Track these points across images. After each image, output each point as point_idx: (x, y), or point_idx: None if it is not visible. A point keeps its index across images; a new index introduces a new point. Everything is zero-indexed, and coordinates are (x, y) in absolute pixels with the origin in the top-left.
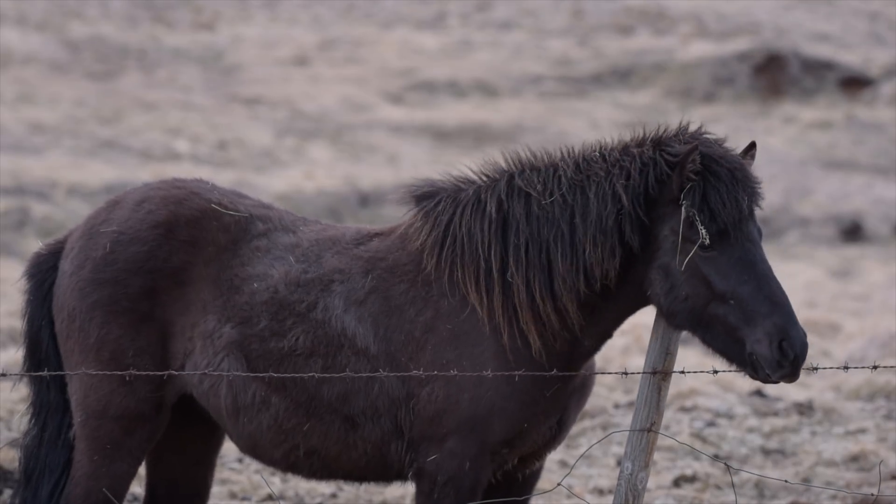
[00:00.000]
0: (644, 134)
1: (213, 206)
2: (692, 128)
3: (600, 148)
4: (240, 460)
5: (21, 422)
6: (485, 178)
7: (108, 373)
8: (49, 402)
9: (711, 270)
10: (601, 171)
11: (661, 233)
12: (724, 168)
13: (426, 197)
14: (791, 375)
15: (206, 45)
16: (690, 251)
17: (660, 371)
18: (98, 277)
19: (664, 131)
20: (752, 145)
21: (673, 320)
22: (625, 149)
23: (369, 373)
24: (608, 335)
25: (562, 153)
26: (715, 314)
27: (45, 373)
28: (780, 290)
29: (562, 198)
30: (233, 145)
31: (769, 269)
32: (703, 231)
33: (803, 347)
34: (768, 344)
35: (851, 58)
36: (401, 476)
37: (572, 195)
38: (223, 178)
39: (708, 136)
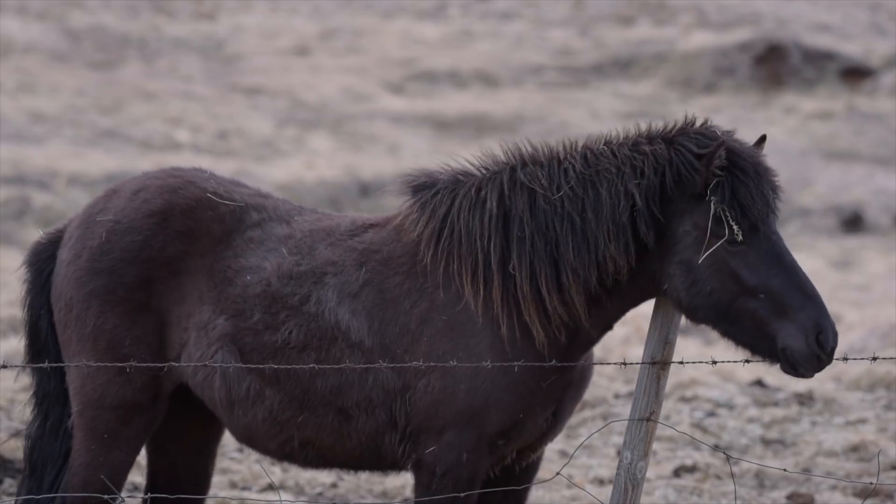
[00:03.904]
0: (651, 130)
1: (208, 195)
2: (698, 122)
3: (607, 141)
4: (240, 450)
5: (23, 411)
6: (484, 171)
7: (107, 364)
8: (50, 392)
9: (741, 265)
10: (612, 168)
11: (679, 228)
12: (749, 163)
13: (423, 188)
14: (824, 367)
15: (206, 35)
16: (716, 246)
17: (659, 361)
18: (94, 267)
19: (673, 126)
20: (763, 138)
21: (694, 315)
22: (635, 145)
23: (363, 365)
24: (609, 327)
25: (563, 146)
26: (744, 308)
27: (45, 364)
28: (808, 281)
29: (571, 191)
30: (233, 135)
31: (794, 260)
32: (736, 228)
33: (836, 338)
34: (804, 339)
35: (852, 48)
36: (395, 466)
37: (582, 189)
38: (224, 168)
39: (717, 128)
